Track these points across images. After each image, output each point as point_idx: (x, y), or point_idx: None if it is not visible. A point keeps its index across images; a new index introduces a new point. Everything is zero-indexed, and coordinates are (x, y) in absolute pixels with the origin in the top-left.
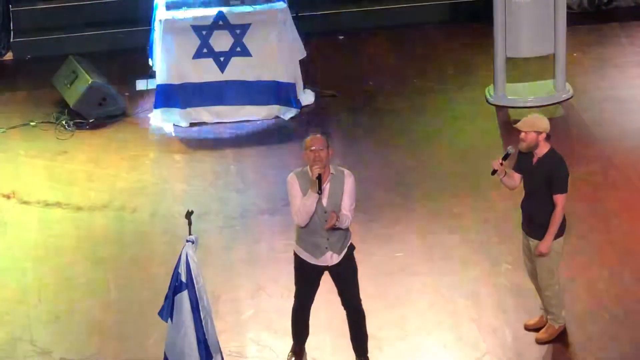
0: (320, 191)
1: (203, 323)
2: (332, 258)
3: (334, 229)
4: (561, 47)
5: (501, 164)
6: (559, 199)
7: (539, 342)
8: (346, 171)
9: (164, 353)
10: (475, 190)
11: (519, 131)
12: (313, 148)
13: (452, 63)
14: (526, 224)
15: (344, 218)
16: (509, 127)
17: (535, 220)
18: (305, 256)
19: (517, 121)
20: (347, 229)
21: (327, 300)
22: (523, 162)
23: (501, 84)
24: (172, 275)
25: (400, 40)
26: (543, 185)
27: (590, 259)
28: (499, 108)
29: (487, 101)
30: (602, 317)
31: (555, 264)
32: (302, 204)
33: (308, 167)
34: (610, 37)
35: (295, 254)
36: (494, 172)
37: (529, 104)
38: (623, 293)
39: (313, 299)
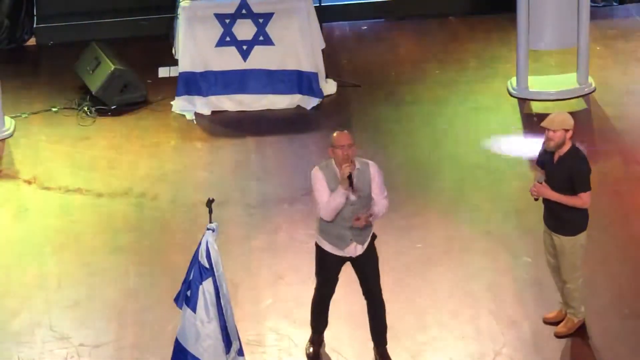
0: (354, 189)
1: (224, 310)
2: (356, 249)
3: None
4: (584, 41)
5: (540, 183)
6: (583, 196)
7: (558, 335)
8: (371, 162)
9: (176, 338)
10: (496, 182)
11: (547, 131)
12: (342, 145)
13: (474, 54)
14: (550, 219)
15: (381, 206)
16: (531, 120)
17: (560, 216)
18: (329, 248)
19: (541, 118)
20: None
21: (345, 291)
22: (544, 159)
23: (523, 76)
24: (191, 263)
25: (422, 31)
26: (565, 183)
27: (611, 253)
28: (521, 100)
29: (509, 93)
30: (622, 312)
31: (579, 258)
32: (332, 199)
33: (332, 161)
34: (633, 31)
35: (317, 245)
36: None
37: (551, 97)
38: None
39: (334, 290)
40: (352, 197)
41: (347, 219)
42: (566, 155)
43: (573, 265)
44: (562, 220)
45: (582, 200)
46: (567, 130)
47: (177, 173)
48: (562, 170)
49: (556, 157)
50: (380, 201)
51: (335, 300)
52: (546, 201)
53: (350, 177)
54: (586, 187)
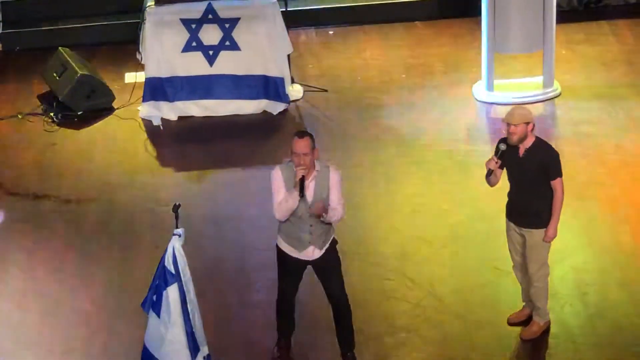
0: (302, 194)
1: (190, 316)
2: (314, 253)
3: (322, 222)
4: (550, 45)
5: (496, 162)
6: (557, 183)
7: (524, 339)
8: (332, 167)
9: (144, 344)
10: (463, 186)
11: (508, 126)
12: (297, 152)
13: (440, 59)
14: (520, 216)
15: (333, 212)
16: (496, 124)
17: (531, 210)
18: (287, 249)
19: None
20: (329, 224)
21: (313, 294)
22: (508, 156)
23: (489, 80)
24: (158, 268)
25: (388, 36)
26: (536, 175)
27: (577, 256)
28: (487, 104)
29: (475, 98)
30: (588, 314)
31: (546, 254)
32: (284, 201)
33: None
34: (599, 36)
35: (277, 247)
36: (490, 172)
37: (517, 101)
38: (609, 290)
39: (296, 291)
40: (309, 200)
41: (305, 223)
42: (533, 147)
43: (543, 259)
44: (533, 214)
45: (561, 190)
46: (527, 124)
47: (143, 178)
48: (532, 161)
49: (521, 150)
50: (335, 207)
51: (302, 304)
52: (516, 197)
53: (302, 181)
54: (559, 173)
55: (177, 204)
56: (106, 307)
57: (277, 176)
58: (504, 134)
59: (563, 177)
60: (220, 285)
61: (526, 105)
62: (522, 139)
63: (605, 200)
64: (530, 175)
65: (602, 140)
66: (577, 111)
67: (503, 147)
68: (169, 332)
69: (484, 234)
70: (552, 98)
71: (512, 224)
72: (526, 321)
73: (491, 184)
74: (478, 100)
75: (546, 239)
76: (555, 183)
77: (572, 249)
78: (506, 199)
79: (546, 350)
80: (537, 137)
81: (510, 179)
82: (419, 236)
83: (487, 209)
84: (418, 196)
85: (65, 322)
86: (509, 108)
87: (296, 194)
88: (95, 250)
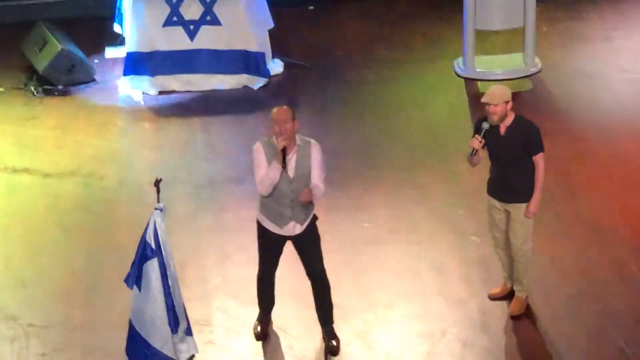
0: (284, 164)
1: (171, 290)
2: (294, 228)
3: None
4: (531, 21)
5: (480, 141)
6: (539, 158)
7: (512, 315)
8: (312, 141)
9: (130, 320)
10: (443, 162)
11: (488, 106)
12: (278, 120)
13: (421, 35)
14: (504, 192)
15: (317, 190)
16: (477, 100)
17: (514, 185)
18: (268, 225)
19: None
20: None
21: (292, 270)
22: (490, 134)
23: (470, 56)
24: (140, 243)
25: (369, 12)
26: (518, 151)
27: (557, 233)
28: (468, 80)
29: (455, 73)
30: (568, 291)
31: (530, 229)
32: (266, 174)
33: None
34: (580, 12)
35: (258, 222)
36: (475, 151)
37: (497, 77)
38: (589, 267)
39: (276, 266)
40: (291, 174)
41: (286, 197)
42: (514, 124)
43: (526, 234)
44: (517, 189)
45: (542, 164)
46: (507, 102)
47: (124, 153)
48: (514, 139)
49: (502, 129)
50: (317, 184)
51: (282, 279)
52: (499, 174)
53: (284, 151)
54: (541, 148)
55: (159, 178)
56: (86, 281)
57: (259, 150)
58: (485, 111)
59: (547, 155)
60: (201, 259)
61: (503, 83)
62: (503, 118)
63: (585, 175)
64: (513, 152)
65: (582, 116)
66: (558, 87)
67: (486, 126)
68: (149, 307)
69: (463, 208)
70: (533, 74)
71: (495, 201)
72: (507, 296)
73: (474, 163)
74: (459, 76)
75: (527, 214)
76: (537, 158)
77: (553, 225)
78: (485, 176)
79: (528, 323)
80: (516, 114)
81: (492, 157)
82: (398, 213)
83: (466, 184)
84: (397, 171)
85: (45, 296)
86: (490, 84)
87: (278, 166)
88: (74, 224)
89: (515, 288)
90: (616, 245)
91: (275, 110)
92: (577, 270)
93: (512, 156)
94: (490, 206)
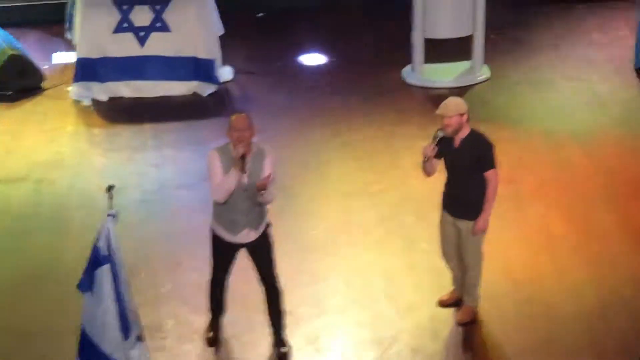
0: (245, 170)
1: (122, 297)
2: (249, 235)
3: (257, 204)
4: (480, 29)
5: (433, 148)
6: (491, 174)
7: (458, 323)
8: (267, 148)
9: (82, 326)
10: (393, 169)
11: (442, 118)
12: (238, 128)
13: (370, 42)
14: (453, 206)
15: (268, 195)
16: (426, 108)
17: (465, 200)
18: (221, 233)
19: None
20: (264, 206)
21: (244, 276)
22: (444, 146)
23: (419, 64)
24: (92, 249)
25: (319, 20)
26: (470, 166)
27: (507, 239)
28: (416, 88)
29: (404, 81)
30: (517, 297)
31: (480, 244)
32: (224, 181)
33: (231, 144)
34: (528, 20)
35: (211, 230)
36: (427, 159)
37: (446, 85)
38: (538, 273)
39: (229, 273)
40: (245, 181)
41: (241, 204)
42: (468, 137)
43: (478, 248)
44: (468, 203)
45: (495, 181)
46: (462, 115)
47: (74, 159)
48: (467, 152)
49: (457, 141)
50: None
51: (233, 285)
52: (452, 187)
53: (243, 157)
54: (493, 165)
55: (111, 185)
56: (36, 287)
57: (215, 157)
58: (434, 119)
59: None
60: (152, 265)
61: (458, 97)
62: (457, 130)
63: (532, 182)
64: (465, 166)
65: (528, 123)
66: (505, 96)
67: (441, 133)
68: (101, 313)
69: (413, 215)
70: (481, 82)
71: (447, 215)
72: (457, 302)
73: (427, 172)
74: (408, 84)
75: (474, 232)
76: (488, 174)
77: (502, 233)
78: (435, 183)
79: (478, 329)
80: (472, 129)
81: (447, 168)
82: (348, 219)
83: (416, 192)
84: (348, 177)
85: None
86: (439, 92)
87: (236, 173)
88: (24, 230)
89: (464, 298)
90: (564, 252)
91: (234, 117)
92: (526, 277)
93: (465, 169)
94: (443, 220)
